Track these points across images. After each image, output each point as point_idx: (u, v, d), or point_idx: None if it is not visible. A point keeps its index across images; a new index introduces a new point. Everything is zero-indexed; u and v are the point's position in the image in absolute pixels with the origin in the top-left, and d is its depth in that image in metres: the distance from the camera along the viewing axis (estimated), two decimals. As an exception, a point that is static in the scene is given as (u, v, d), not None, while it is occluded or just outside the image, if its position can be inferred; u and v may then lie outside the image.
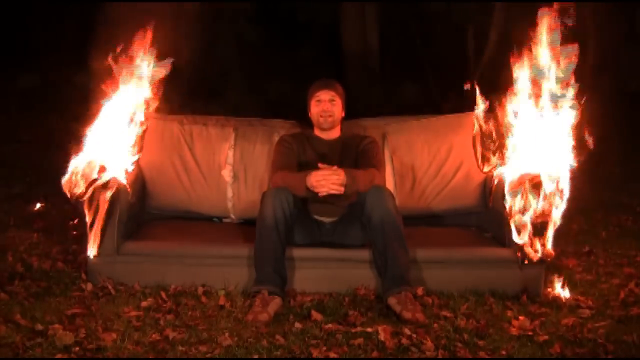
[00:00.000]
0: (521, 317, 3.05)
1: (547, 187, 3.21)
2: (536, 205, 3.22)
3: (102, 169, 3.33)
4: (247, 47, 8.98)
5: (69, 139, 3.48)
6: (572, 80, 3.32)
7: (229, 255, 3.41)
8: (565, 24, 3.31)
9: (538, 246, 3.26)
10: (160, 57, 3.66)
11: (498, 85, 3.59)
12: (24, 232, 4.24)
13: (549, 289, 3.38)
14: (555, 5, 3.33)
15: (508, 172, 3.45)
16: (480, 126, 3.82)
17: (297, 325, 2.93)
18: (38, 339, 2.70)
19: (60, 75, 7.84)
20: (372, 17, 9.28)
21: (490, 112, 3.74)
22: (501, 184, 3.45)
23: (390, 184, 3.76)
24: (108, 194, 3.31)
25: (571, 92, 3.33)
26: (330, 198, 3.31)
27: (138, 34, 3.60)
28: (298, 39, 9.51)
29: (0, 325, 2.81)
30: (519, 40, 3.44)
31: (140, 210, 3.73)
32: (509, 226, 3.30)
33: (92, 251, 3.33)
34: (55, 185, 3.39)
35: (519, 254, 3.31)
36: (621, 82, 8.57)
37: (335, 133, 3.67)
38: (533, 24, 3.37)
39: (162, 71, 3.70)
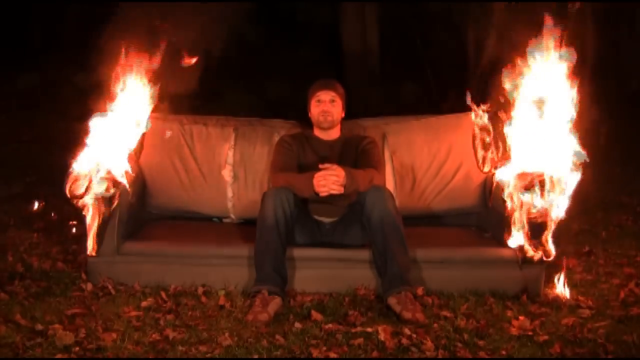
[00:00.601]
0: (521, 317, 3.05)
1: (549, 186, 3.21)
2: (536, 204, 3.22)
3: (102, 170, 3.33)
4: (247, 47, 8.97)
5: (69, 139, 3.48)
6: (572, 80, 3.33)
7: (229, 255, 3.41)
8: (565, 24, 3.31)
9: (538, 246, 3.26)
10: (160, 57, 3.66)
11: (498, 86, 3.59)
12: (24, 232, 4.24)
13: (549, 289, 3.38)
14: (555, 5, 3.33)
15: (508, 171, 3.45)
16: (480, 126, 3.82)
17: (297, 325, 2.93)
18: (38, 339, 2.70)
19: (60, 75, 7.83)
20: (372, 17, 9.26)
21: (490, 112, 3.74)
22: (501, 184, 3.45)
23: (390, 184, 3.76)
24: (108, 195, 3.31)
25: (571, 93, 3.33)
26: (330, 198, 3.31)
27: (138, 34, 3.60)
28: (298, 39, 9.49)
29: (0, 325, 2.81)
30: (518, 40, 3.44)
31: (140, 210, 3.73)
32: (509, 226, 3.30)
33: (91, 251, 3.33)
34: (55, 185, 3.39)
35: (519, 254, 3.32)
36: (621, 82, 8.57)
37: (335, 133, 3.67)
38: (533, 24, 3.37)
39: (162, 71, 3.70)
